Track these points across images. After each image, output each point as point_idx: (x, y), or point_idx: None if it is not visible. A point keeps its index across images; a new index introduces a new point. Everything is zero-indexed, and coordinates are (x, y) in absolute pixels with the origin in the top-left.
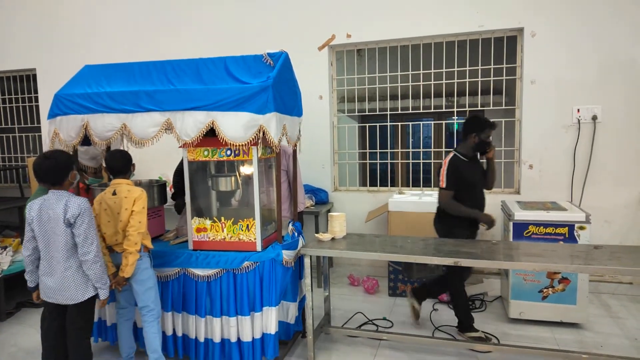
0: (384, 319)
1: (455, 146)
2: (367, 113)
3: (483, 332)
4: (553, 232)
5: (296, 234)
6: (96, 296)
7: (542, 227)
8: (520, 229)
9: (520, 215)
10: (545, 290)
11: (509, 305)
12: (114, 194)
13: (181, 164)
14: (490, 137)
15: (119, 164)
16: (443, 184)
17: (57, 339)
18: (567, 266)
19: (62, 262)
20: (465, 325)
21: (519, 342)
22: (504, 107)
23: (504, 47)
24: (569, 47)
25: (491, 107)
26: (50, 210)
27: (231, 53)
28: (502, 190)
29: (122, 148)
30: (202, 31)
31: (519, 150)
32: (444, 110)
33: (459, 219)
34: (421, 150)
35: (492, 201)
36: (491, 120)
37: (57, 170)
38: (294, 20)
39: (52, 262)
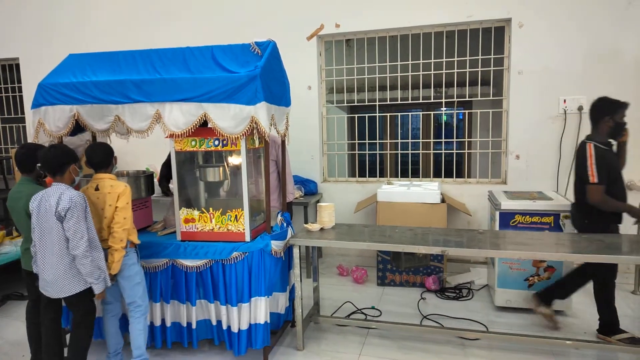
0: (373, 308)
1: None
2: (356, 104)
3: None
4: (539, 221)
5: (285, 224)
6: (90, 290)
7: (528, 216)
8: (507, 218)
9: (507, 204)
10: (531, 278)
11: (496, 293)
12: (97, 189)
13: (169, 156)
14: (625, 118)
15: (100, 158)
16: (594, 178)
17: (47, 332)
18: (552, 254)
19: (54, 256)
20: (611, 328)
21: (506, 329)
22: (491, 98)
23: (492, 37)
24: (555, 38)
25: (479, 98)
26: (47, 203)
27: (219, 43)
28: (489, 181)
29: (108, 139)
30: (189, 21)
31: (506, 141)
32: (432, 101)
33: (613, 214)
34: (410, 141)
35: (479, 191)
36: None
37: (60, 159)
38: (283, 9)
39: (45, 255)
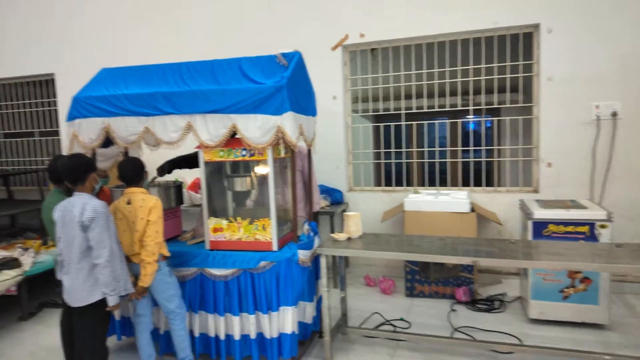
0: (402, 319)
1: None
2: (381, 112)
3: None
4: (573, 231)
5: (312, 233)
6: (105, 303)
7: (562, 225)
8: (540, 227)
9: (540, 214)
10: (566, 290)
11: (529, 305)
12: (128, 203)
13: (179, 157)
14: None
15: (131, 173)
16: None
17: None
18: (589, 265)
19: (75, 264)
20: None
21: (541, 343)
22: (521, 104)
23: (520, 44)
24: (586, 43)
25: (508, 105)
26: (70, 212)
27: (244, 54)
28: (520, 189)
29: (140, 151)
30: (217, 32)
31: (537, 149)
32: (459, 109)
33: None
34: (437, 149)
35: (510, 200)
36: None
37: (80, 169)
38: (307, 20)
39: (70, 263)
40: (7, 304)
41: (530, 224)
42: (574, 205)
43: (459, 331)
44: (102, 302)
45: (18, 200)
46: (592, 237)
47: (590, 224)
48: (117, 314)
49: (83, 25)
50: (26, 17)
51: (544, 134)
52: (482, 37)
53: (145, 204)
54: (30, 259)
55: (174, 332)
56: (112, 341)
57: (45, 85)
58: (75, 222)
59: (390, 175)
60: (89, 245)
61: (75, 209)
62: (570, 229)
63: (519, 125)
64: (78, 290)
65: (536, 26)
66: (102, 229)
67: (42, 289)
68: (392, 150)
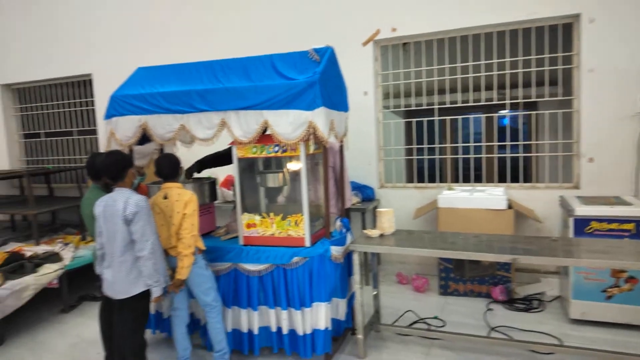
0: (436, 318)
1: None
2: (413, 108)
3: None
4: (617, 228)
5: (344, 230)
6: (148, 293)
7: (605, 222)
8: (582, 225)
9: (582, 210)
10: (609, 289)
11: (570, 305)
12: (165, 197)
13: (207, 156)
14: None
15: (167, 169)
16: None
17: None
18: (635, 263)
19: (118, 257)
20: None
21: (582, 343)
22: (560, 98)
23: (559, 35)
24: (630, 32)
25: (546, 98)
26: (113, 207)
27: (277, 50)
28: (560, 185)
29: (175, 149)
30: (249, 30)
31: (578, 143)
32: (495, 102)
33: None
34: (471, 144)
35: (550, 196)
36: None
37: (118, 165)
38: (338, 15)
39: (112, 257)
40: (49, 297)
41: (571, 221)
42: (618, 201)
43: (496, 330)
44: (143, 295)
45: (58, 197)
46: (637, 235)
47: (636, 221)
48: (152, 308)
49: (119, 27)
50: (64, 20)
51: (585, 128)
52: (520, 29)
53: (181, 198)
54: (70, 253)
55: (211, 325)
56: (146, 335)
57: (83, 85)
58: (118, 217)
59: (422, 171)
60: (131, 239)
61: (117, 204)
62: (614, 226)
63: (558, 119)
64: (121, 283)
65: (576, 16)
66: (145, 222)
67: (81, 282)
68: (425, 146)
